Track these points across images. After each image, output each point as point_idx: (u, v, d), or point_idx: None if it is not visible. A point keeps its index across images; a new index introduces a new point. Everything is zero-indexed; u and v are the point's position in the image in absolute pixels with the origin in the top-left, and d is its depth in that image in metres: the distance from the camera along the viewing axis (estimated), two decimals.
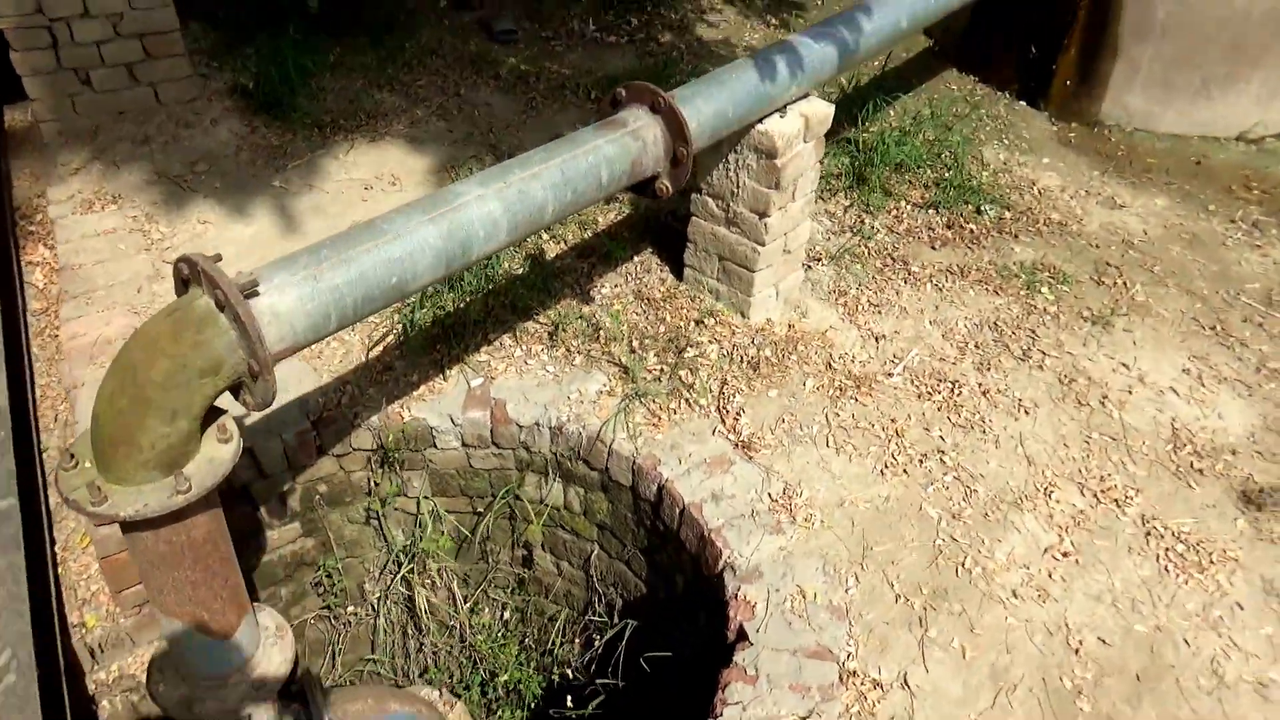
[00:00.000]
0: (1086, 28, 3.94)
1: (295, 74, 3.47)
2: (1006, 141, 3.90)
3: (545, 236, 3.02)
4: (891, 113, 3.99)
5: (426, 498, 2.63)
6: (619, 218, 3.16)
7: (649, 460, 2.31)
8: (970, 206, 3.44)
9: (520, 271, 2.86)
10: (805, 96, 2.53)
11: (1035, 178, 3.69)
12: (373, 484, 2.56)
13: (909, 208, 3.41)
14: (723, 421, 2.43)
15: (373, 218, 1.66)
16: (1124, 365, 2.80)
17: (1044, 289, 3.07)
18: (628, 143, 1.99)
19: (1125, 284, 3.14)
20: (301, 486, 2.50)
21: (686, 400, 2.47)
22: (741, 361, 2.61)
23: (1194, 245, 3.37)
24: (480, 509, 2.67)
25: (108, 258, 2.77)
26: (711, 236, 2.69)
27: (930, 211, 3.39)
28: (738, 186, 2.53)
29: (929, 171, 3.60)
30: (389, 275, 1.61)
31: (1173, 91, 3.97)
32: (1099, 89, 4.04)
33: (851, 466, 2.36)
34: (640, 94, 2.08)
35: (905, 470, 2.36)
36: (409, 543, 2.70)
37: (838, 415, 2.50)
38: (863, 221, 3.30)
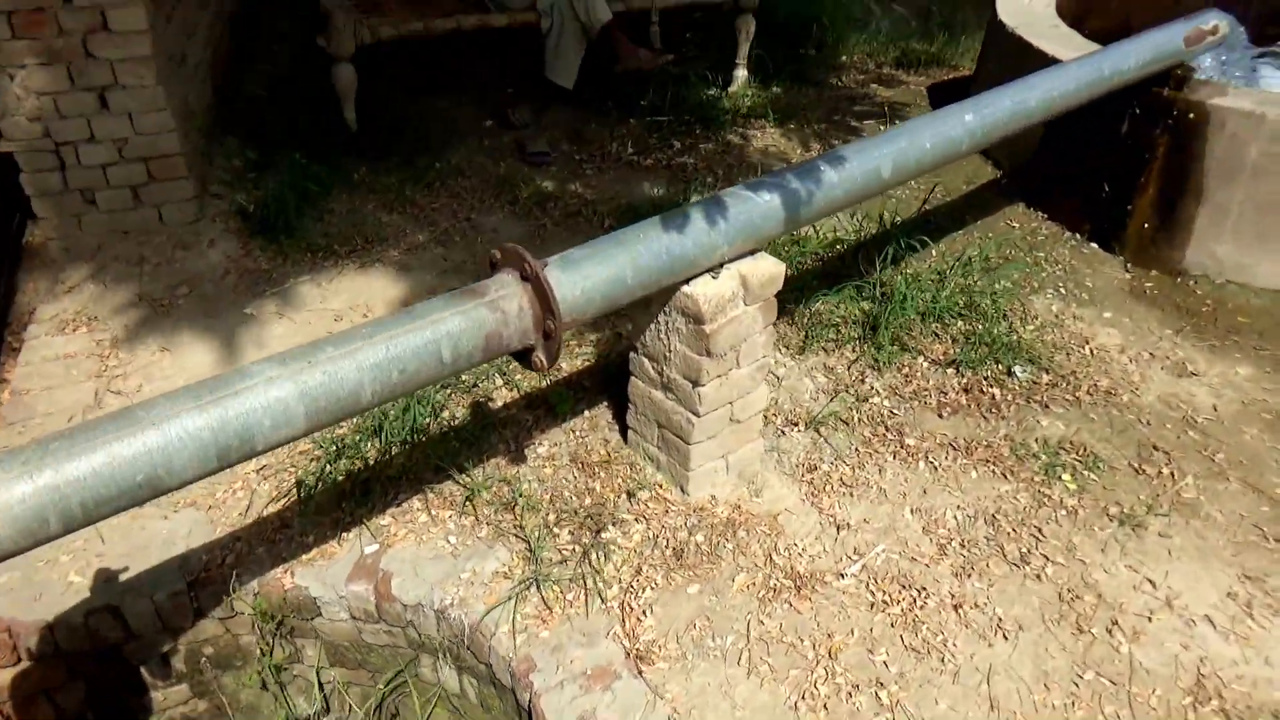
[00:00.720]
0: (1166, 166, 3.48)
1: (291, 195, 3.46)
2: (1064, 290, 3.45)
3: (498, 381, 2.82)
4: (934, 251, 3.62)
5: (324, 668, 2.41)
6: (584, 364, 2.92)
7: (524, 664, 2.02)
8: (1000, 366, 3.02)
9: (457, 421, 2.66)
10: (752, 253, 2.25)
11: (1091, 334, 3.23)
12: (260, 651, 2.36)
13: (925, 365, 3.02)
14: (623, 622, 2.11)
15: (132, 404, 1.50)
16: (1149, 582, 2.30)
17: (1065, 475, 2.60)
18: (482, 315, 1.77)
19: (1173, 474, 2.63)
20: (185, 647, 2.33)
21: (588, 591, 2.17)
22: (666, 547, 2.29)
23: (1275, 429, 2.82)
24: (382, 683, 2.43)
25: (57, 384, 2.76)
26: (649, 400, 2.41)
27: (949, 371, 2.99)
28: (670, 351, 2.26)
29: (960, 323, 3.20)
30: (134, 472, 1.43)
31: (1270, 240, 3.43)
32: (1182, 235, 3.55)
33: (760, 694, 1.98)
34: (511, 258, 1.86)
35: (826, 706, 1.97)
36: (314, 712, 2.48)
37: (763, 624, 2.13)
38: (864, 380, 2.93)
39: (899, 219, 3.80)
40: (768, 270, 2.22)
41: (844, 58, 5.80)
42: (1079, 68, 2.93)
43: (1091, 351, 3.14)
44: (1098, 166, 3.69)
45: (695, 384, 2.23)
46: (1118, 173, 3.62)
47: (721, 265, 2.18)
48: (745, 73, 4.94)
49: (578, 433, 2.63)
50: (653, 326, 2.27)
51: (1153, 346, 3.19)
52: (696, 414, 2.27)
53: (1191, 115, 3.35)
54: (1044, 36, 3.88)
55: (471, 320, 1.75)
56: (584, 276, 1.89)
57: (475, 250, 3.50)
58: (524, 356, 1.91)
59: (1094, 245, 3.76)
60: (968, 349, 3.05)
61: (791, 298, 3.22)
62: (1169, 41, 3.22)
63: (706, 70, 5.07)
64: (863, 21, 6.54)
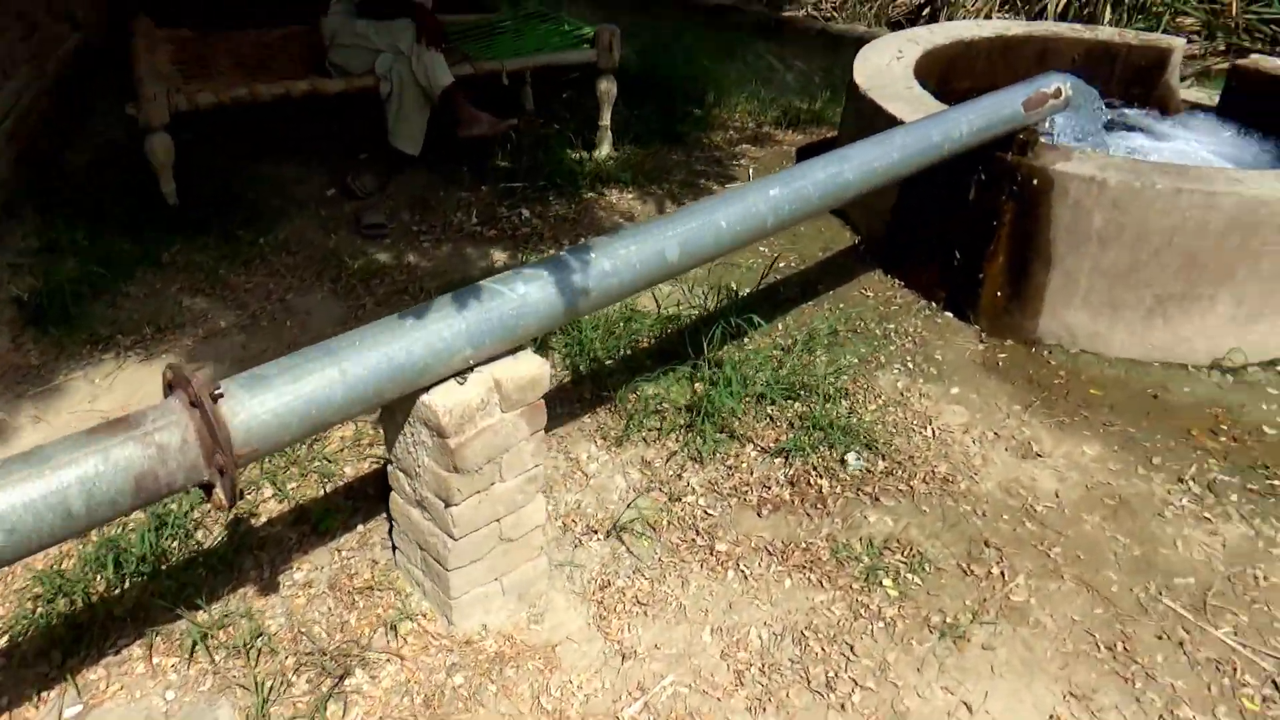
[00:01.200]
0: (1014, 233, 3.34)
1: (75, 280, 3.15)
2: (912, 365, 3.26)
3: (267, 492, 2.52)
4: (780, 324, 3.43)
5: None
6: (372, 467, 2.64)
7: None
8: (834, 454, 2.80)
9: (209, 543, 2.36)
10: (513, 352, 2.00)
11: (935, 413, 3.03)
12: None
13: (753, 454, 2.79)
14: None
15: None
16: (965, 706, 2.07)
17: (887, 580, 2.38)
18: (129, 454, 1.49)
19: (1004, 574, 2.42)
20: None
21: None
22: (417, 694, 2.00)
23: (1118, 516, 2.64)
24: None
25: None
26: (408, 519, 2.14)
27: (778, 460, 2.77)
28: (419, 465, 1.99)
29: (797, 404, 2.99)
30: None
31: (1122, 310, 3.29)
32: (1034, 303, 3.40)
33: None
34: (179, 380, 1.58)
35: None
36: None
37: None
38: (682, 475, 2.69)
39: (746, 290, 3.60)
40: (528, 372, 1.97)
41: (726, 115, 5.67)
42: (905, 136, 2.77)
43: (934, 433, 2.95)
44: (949, 232, 3.54)
45: (447, 503, 1.97)
46: (968, 239, 3.48)
47: (471, 369, 1.93)
48: (609, 135, 4.76)
49: (344, 552, 2.34)
50: (401, 437, 2.01)
51: (999, 425, 3.00)
52: (452, 537, 2.00)
53: (1035, 181, 3.22)
54: (895, 98, 3.75)
55: (112, 461, 1.47)
56: (277, 396, 1.63)
57: (282, 335, 3.22)
58: (208, 490, 1.63)
59: (949, 314, 3.59)
60: (801, 435, 2.84)
61: (618, 381, 2.98)
62: (1006, 106, 3.08)
63: (571, 132, 4.88)
64: (766, 78, 6.47)
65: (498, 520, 2.08)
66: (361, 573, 2.28)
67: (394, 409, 1.96)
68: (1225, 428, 3.02)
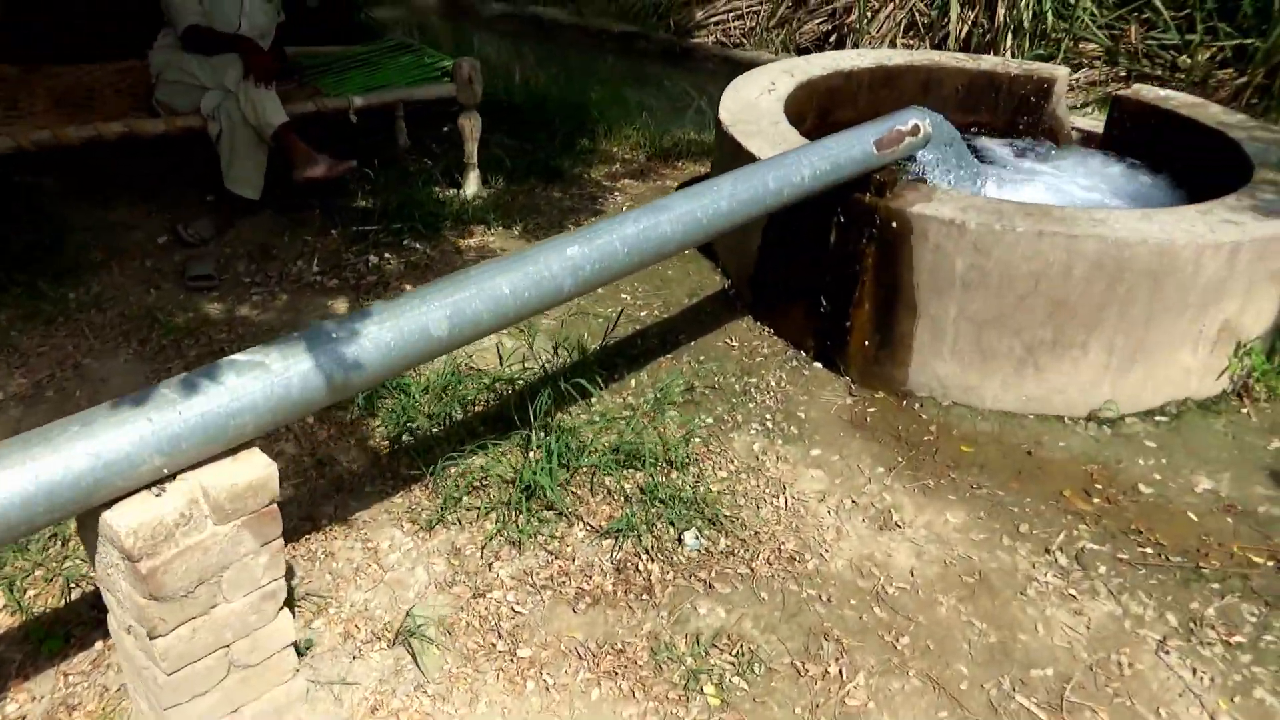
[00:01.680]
0: (877, 279, 3.11)
1: None
2: (772, 424, 3.01)
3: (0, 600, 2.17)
4: (632, 381, 3.15)
5: None
6: None
7: None
8: (673, 531, 2.53)
9: None
10: (232, 453, 1.69)
11: (791, 479, 2.78)
12: None
13: (581, 536, 2.51)
14: None
15: None
16: None
17: (709, 687, 2.10)
18: None
19: (843, 673, 2.16)
20: None
21: None
22: None
23: (976, 596, 2.39)
24: None
25: None
26: (121, 645, 1.81)
27: (607, 542, 2.48)
28: (118, 590, 1.67)
29: (640, 474, 2.71)
30: None
31: (992, 359, 3.07)
32: (903, 353, 3.17)
33: None
34: None
35: None
36: None
37: None
38: (494, 564, 2.39)
39: (599, 344, 3.33)
40: (249, 477, 1.66)
41: (614, 147, 5.43)
42: (735, 183, 2.52)
43: (787, 502, 2.69)
44: (815, 277, 3.31)
45: (151, 634, 1.64)
46: (833, 285, 3.25)
47: (171, 477, 1.61)
48: (476, 172, 4.48)
49: (72, 677, 2.00)
50: (98, 554, 1.68)
51: (859, 491, 2.75)
52: (162, 672, 1.67)
53: (894, 224, 3.00)
54: (757, 135, 3.53)
55: None
56: None
57: (67, 407, 2.86)
58: None
59: (818, 365, 3.35)
60: (638, 510, 2.56)
61: (442, 453, 2.68)
62: (856, 147, 2.86)
63: (441, 170, 4.60)
64: (665, 107, 6.25)
65: (225, 647, 1.76)
66: (86, 703, 1.94)
67: (83, 521, 1.64)
68: (1100, 487, 2.82)
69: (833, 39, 8.16)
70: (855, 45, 7.84)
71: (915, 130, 3.08)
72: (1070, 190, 3.91)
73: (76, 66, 4.22)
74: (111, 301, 3.45)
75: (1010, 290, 2.95)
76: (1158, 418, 3.11)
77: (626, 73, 7.82)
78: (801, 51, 8.23)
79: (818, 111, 4.41)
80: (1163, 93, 4.27)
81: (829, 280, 3.25)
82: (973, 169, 3.51)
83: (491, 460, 2.71)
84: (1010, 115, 4.61)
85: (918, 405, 3.17)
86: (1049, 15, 7.05)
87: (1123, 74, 7.19)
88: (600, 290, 3.53)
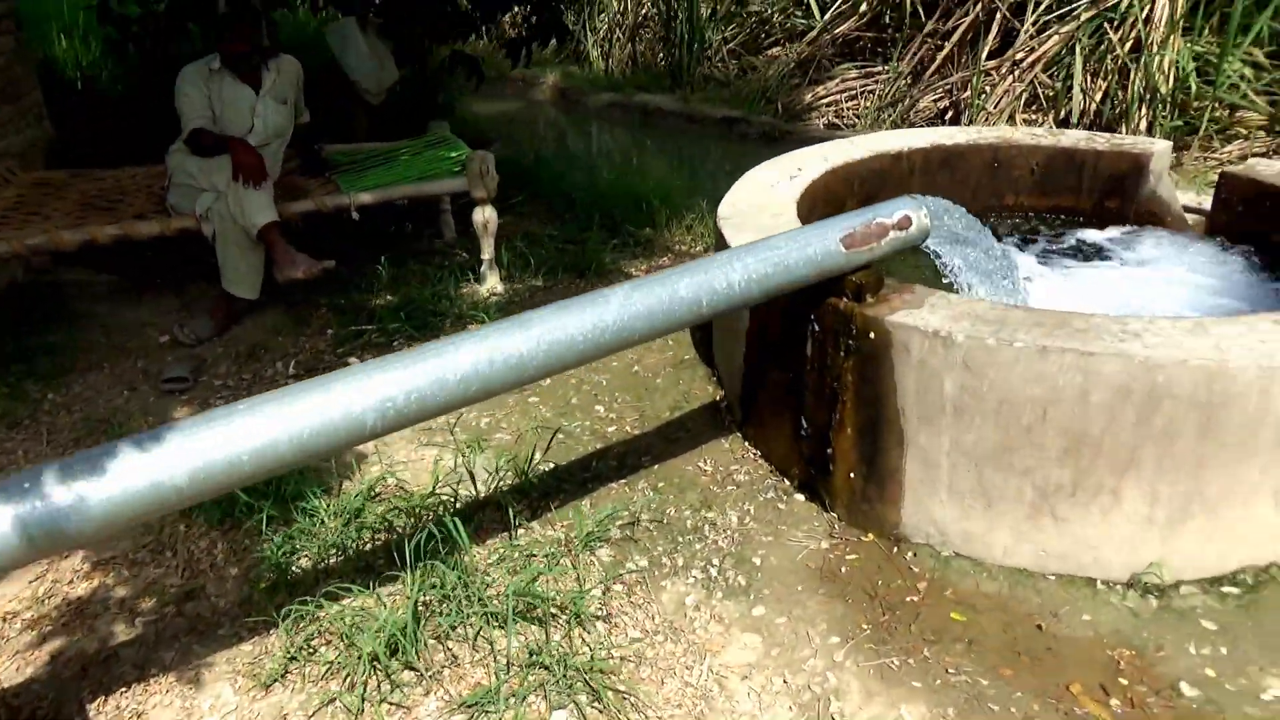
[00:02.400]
0: (858, 399, 2.60)
1: None
2: (716, 571, 2.53)
3: None
4: (574, 511, 2.76)
5: None
6: None
7: None
8: (544, 708, 2.09)
9: None
10: None
11: (719, 646, 2.29)
12: None
13: (435, 707, 2.12)
14: None
15: None
16: None
17: None
18: None
19: None
20: None
21: None
22: None
23: None
24: None
25: None
26: None
27: (459, 718, 2.08)
28: None
29: (536, 629, 2.31)
30: None
31: (999, 503, 2.47)
32: (893, 489, 2.62)
33: None
34: None
35: None
36: None
37: None
38: None
39: (550, 465, 2.96)
40: None
41: (672, 237, 5.12)
42: (627, 295, 2.12)
43: (701, 677, 2.20)
44: (796, 393, 2.82)
45: None
46: (814, 403, 2.75)
47: None
48: (495, 269, 4.26)
49: None
50: None
51: (797, 667, 2.22)
52: None
53: (872, 335, 2.50)
54: (748, 229, 3.10)
55: None
56: None
57: None
58: None
59: (800, 498, 2.84)
60: (512, 678, 2.14)
61: (316, 591, 2.38)
62: (812, 245, 2.40)
63: (467, 265, 4.43)
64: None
65: None
66: None
67: None
68: (1125, 683, 2.16)
69: (948, 116, 7.58)
70: (970, 122, 7.25)
71: (904, 223, 2.58)
72: (1151, 289, 3.23)
73: (119, 169, 4.35)
74: (83, 404, 3.41)
75: (1013, 420, 2.36)
76: (1226, 588, 2.39)
77: (718, 158, 7.54)
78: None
79: (861, 200, 3.92)
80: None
81: (808, 398, 2.76)
82: (1003, 266, 2.93)
83: (373, 604, 2.37)
84: (1098, 198, 3.96)
85: (911, 554, 2.60)
86: (1192, 81, 6.21)
87: None
88: (574, 400, 3.18)
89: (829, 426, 2.70)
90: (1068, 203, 4.00)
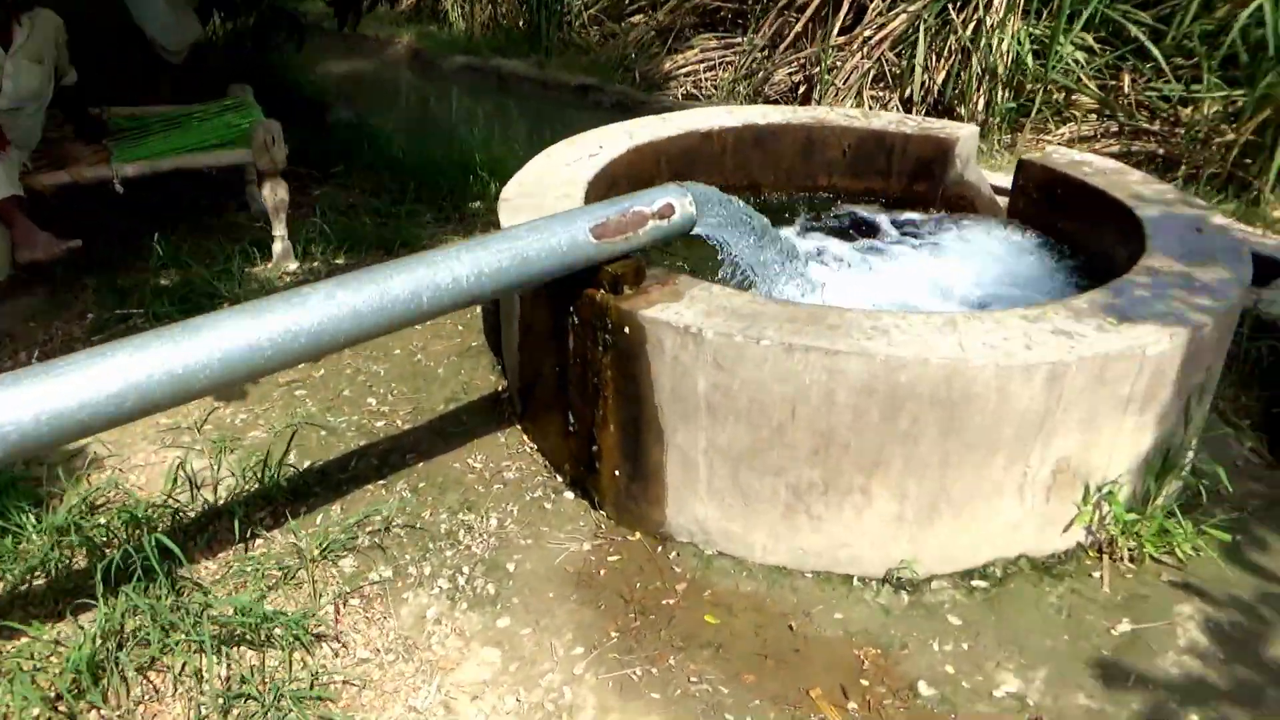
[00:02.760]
0: (619, 395, 2.48)
1: None
2: (467, 579, 2.38)
3: None
4: (323, 516, 2.56)
5: None
6: None
7: None
8: None
9: None
10: None
11: (455, 662, 2.15)
12: None
13: None
14: None
15: None
16: None
17: None
18: None
19: None
20: None
21: None
22: None
23: None
24: None
25: None
26: None
27: None
28: None
29: (252, 653, 2.11)
30: None
31: (756, 502, 2.40)
32: (656, 488, 2.51)
33: None
34: None
35: None
36: None
37: None
38: None
39: (307, 465, 2.75)
40: None
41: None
42: (324, 299, 1.93)
43: (428, 699, 2.06)
44: (563, 387, 2.68)
45: None
46: (579, 398, 2.62)
47: None
48: (285, 245, 3.98)
49: None
50: None
51: (535, 681, 2.10)
52: None
53: (627, 330, 2.37)
54: (531, 211, 2.92)
55: None
56: None
57: None
58: None
59: (570, 496, 2.72)
60: (212, 712, 1.95)
61: (13, 619, 2.13)
62: (558, 236, 2.25)
63: (260, 241, 4.12)
64: None
65: None
66: None
67: None
68: (866, 684, 2.11)
69: (801, 90, 7.54)
70: (820, 98, 7.23)
71: (666, 211, 2.45)
72: (939, 277, 3.21)
73: None
74: None
75: (764, 419, 2.27)
76: (975, 582, 2.37)
77: (571, 128, 7.31)
78: (770, 104, 7.65)
79: (672, 178, 3.78)
80: (1078, 156, 3.54)
81: (573, 392, 2.63)
82: (784, 255, 2.84)
83: (72, 632, 2.14)
84: (907, 181, 3.93)
85: (675, 554, 2.50)
86: (1028, 63, 6.30)
87: (1115, 129, 6.40)
88: (346, 392, 2.97)
89: (593, 422, 2.58)
90: (878, 186, 3.96)
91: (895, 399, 2.16)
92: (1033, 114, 6.25)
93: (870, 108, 7.00)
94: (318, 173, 5.09)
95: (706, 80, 8.20)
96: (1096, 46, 6.29)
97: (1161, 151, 6.04)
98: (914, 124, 3.90)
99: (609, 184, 3.43)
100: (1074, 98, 6.54)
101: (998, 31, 6.31)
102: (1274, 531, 2.55)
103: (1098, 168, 3.43)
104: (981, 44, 6.38)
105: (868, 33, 6.96)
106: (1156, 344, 2.22)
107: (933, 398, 2.15)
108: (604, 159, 3.45)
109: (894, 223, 3.68)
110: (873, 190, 3.97)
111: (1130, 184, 3.26)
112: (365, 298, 1.96)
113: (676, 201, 2.47)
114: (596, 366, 2.49)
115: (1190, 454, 2.66)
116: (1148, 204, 3.07)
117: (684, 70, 8.27)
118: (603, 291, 2.42)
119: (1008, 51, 6.37)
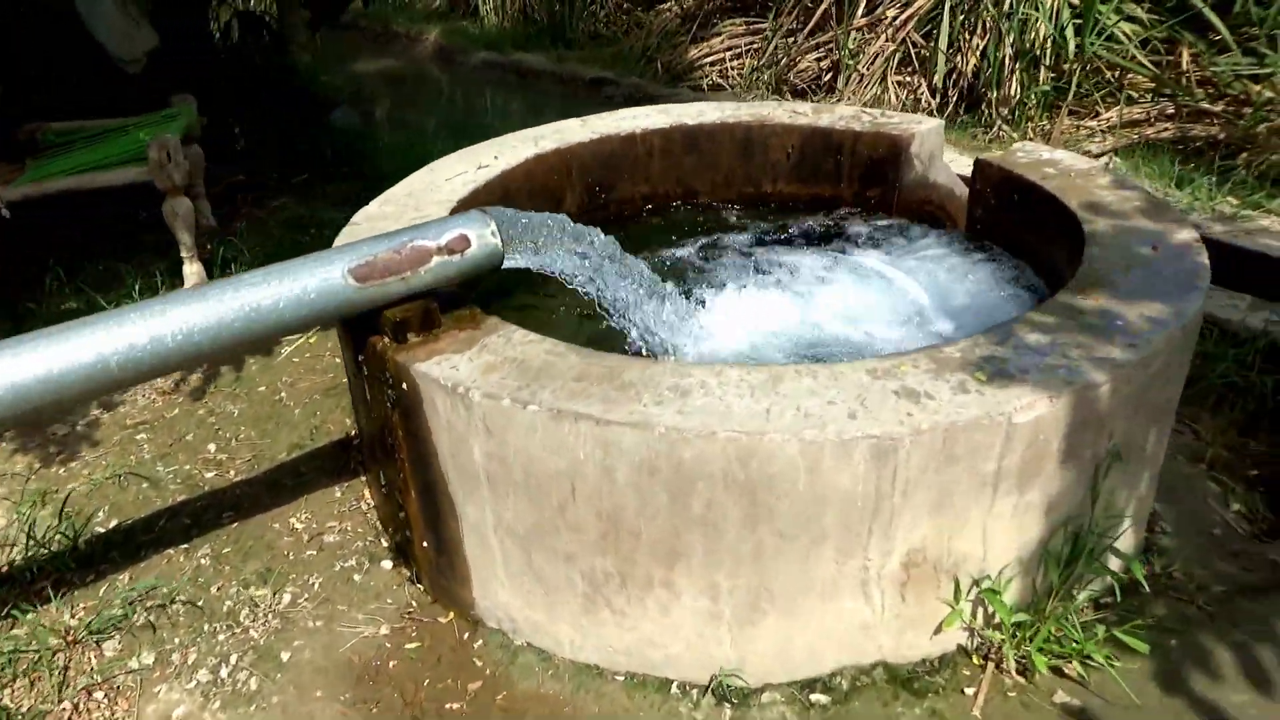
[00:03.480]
0: (412, 456, 2.14)
1: None
2: (233, 667, 2.09)
3: None
4: (108, 588, 2.32)
5: None
6: None
7: None
8: None
9: None
10: None
11: None
12: None
13: None
14: None
15: None
16: None
17: None
18: None
19: None
20: None
21: None
22: None
23: None
24: None
25: None
26: None
27: None
28: None
29: None
30: None
31: (554, 591, 2.03)
32: (461, 565, 2.18)
33: None
34: None
35: None
36: None
37: None
38: None
39: (115, 523, 2.51)
40: None
41: None
42: None
43: None
44: (374, 439, 2.36)
45: None
46: (383, 455, 2.30)
47: None
48: (198, 266, 3.78)
49: None
50: None
51: None
52: None
53: (405, 385, 2.03)
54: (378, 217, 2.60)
55: None
56: None
57: None
58: None
59: (392, 564, 2.40)
60: None
61: None
62: (303, 281, 1.92)
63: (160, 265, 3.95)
64: None
65: None
66: None
67: None
68: None
69: (828, 77, 7.01)
70: (845, 84, 6.69)
71: (457, 245, 2.09)
72: (854, 306, 2.75)
73: None
74: None
75: (543, 496, 1.90)
76: (816, 695, 1.95)
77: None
78: (798, 95, 7.16)
79: (587, 189, 3.42)
80: (1046, 154, 3.01)
81: (379, 449, 2.30)
82: (646, 290, 2.45)
83: None
84: (859, 186, 3.45)
85: (481, 643, 2.16)
86: (1068, 38, 5.62)
87: (1171, 111, 5.68)
88: (189, 436, 2.73)
89: (397, 484, 2.25)
90: (828, 191, 3.49)
91: (683, 479, 1.76)
92: (1070, 96, 5.57)
93: (895, 95, 6.42)
94: (271, 183, 4.90)
95: (733, 69, 7.73)
96: (1146, 17, 5.56)
97: (1222, 135, 5.30)
98: (867, 120, 3.41)
99: (500, 200, 3.08)
100: (1127, 77, 5.82)
101: (1031, 2, 5.64)
102: (1221, 639, 2.02)
103: (1064, 168, 2.89)
104: (1016, 18, 5.71)
105: (891, 12, 6.37)
106: (1028, 410, 1.75)
107: (727, 479, 1.74)
108: (494, 171, 3.10)
109: (830, 235, 3.21)
110: (821, 196, 3.50)
111: (1094, 189, 2.72)
112: (25, 368, 1.67)
113: (473, 232, 2.11)
114: (389, 423, 2.16)
115: (1127, 532, 2.15)
116: (1102, 215, 2.54)
117: (709, 59, 7.82)
118: (385, 339, 2.08)
119: (1043, 25, 5.70)
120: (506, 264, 2.20)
